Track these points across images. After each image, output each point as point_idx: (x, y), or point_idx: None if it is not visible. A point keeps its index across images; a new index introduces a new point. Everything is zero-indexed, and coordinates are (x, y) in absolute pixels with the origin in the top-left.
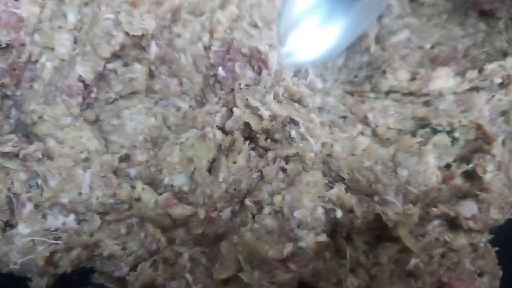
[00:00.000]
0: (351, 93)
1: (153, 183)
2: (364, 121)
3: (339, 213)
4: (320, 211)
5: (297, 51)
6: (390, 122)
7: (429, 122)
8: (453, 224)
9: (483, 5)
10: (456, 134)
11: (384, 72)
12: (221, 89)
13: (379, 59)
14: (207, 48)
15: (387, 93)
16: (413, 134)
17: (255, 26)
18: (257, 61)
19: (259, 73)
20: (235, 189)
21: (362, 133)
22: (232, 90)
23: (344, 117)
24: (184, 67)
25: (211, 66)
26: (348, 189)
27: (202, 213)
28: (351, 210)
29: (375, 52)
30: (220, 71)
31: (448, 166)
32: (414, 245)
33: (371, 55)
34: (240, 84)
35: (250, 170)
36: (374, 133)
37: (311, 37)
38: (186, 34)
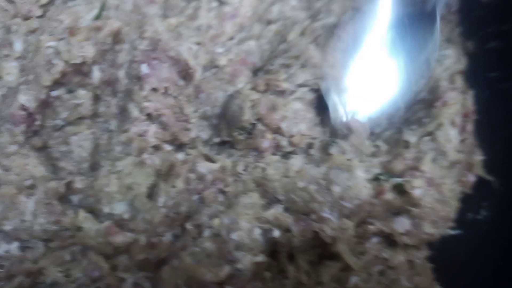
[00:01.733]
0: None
1: (94, 211)
2: (278, 131)
3: (276, 233)
4: (257, 232)
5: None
6: (303, 129)
7: None
8: (391, 241)
9: None
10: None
11: (303, 66)
12: (141, 89)
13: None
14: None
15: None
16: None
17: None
18: (183, 69)
19: (184, 79)
20: (175, 213)
21: (276, 145)
22: (154, 89)
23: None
24: (122, 81)
25: (137, 67)
26: (286, 209)
27: (143, 240)
28: (288, 230)
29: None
30: (144, 67)
31: (377, 179)
32: (354, 260)
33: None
34: (166, 88)
35: (189, 193)
36: (291, 144)
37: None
38: (125, 46)
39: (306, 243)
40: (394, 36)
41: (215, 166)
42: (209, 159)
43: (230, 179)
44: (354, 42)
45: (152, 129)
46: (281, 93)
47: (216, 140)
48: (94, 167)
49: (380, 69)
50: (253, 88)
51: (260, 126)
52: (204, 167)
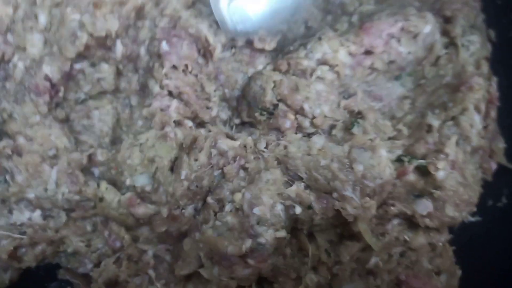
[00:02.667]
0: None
1: (116, 184)
2: (301, 112)
3: (298, 210)
4: (279, 207)
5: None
6: (326, 110)
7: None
8: (412, 223)
9: (446, 11)
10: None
11: (320, 38)
12: (162, 66)
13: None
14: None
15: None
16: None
17: None
18: (203, 47)
19: (204, 56)
20: (197, 186)
21: (298, 126)
22: (174, 67)
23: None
24: (143, 58)
25: (157, 44)
26: (307, 187)
27: (165, 212)
28: (310, 207)
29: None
30: (164, 45)
31: (400, 161)
32: (374, 240)
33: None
34: (187, 65)
35: (211, 167)
36: (313, 125)
37: None
38: (146, 23)
39: (326, 222)
40: None
41: (236, 143)
42: (230, 137)
43: (251, 156)
44: None
45: (174, 104)
46: (303, 73)
47: (237, 121)
48: (115, 141)
49: None
50: (275, 69)
51: (282, 107)
52: (225, 143)
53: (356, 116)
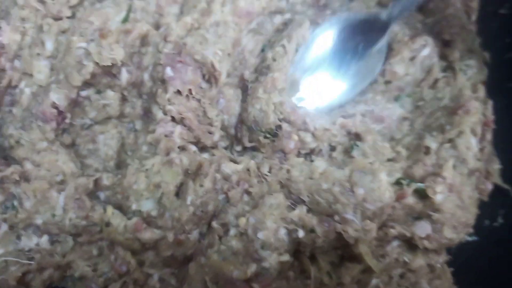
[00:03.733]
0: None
1: (122, 208)
2: (303, 127)
3: (301, 233)
4: (282, 232)
5: (308, 98)
6: (324, 123)
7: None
8: (411, 245)
9: (445, 34)
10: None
11: None
12: (165, 92)
13: None
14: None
15: None
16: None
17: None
18: (208, 72)
19: (208, 81)
20: (202, 211)
21: (301, 142)
22: (178, 92)
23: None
24: (147, 83)
25: (161, 69)
26: (309, 210)
27: (171, 236)
28: (312, 230)
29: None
30: (168, 70)
31: (399, 183)
32: (374, 262)
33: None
34: (190, 90)
35: (216, 192)
36: (314, 138)
37: (323, 86)
38: (149, 49)
39: (328, 244)
40: (347, 36)
41: (239, 167)
42: (233, 160)
43: (254, 180)
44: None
45: (178, 130)
46: None
47: (238, 148)
48: (120, 165)
49: (331, 65)
50: (265, 91)
51: (286, 127)
52: (228, 167)
53: (355, 138)
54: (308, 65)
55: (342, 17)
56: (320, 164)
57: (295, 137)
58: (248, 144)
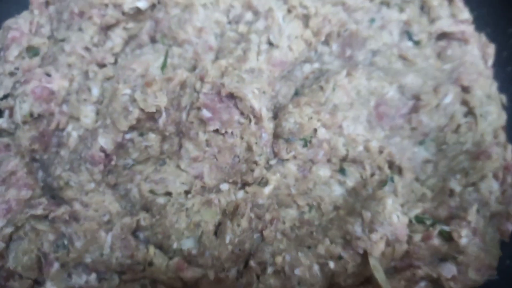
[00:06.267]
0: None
1: (162, 247)
2: (338, 130)
3: (331, 265)
4: (316, 268)
5: None
6: (360, 129)
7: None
8: (437, 285)
9: (463, 81)
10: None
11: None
12: (203, 132)
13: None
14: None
15: None
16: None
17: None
18: (246, 109)
19: (245, 116)
20: (240, 250)
21: (331, 150)
22: (216, 131)
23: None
24: (185, 123)
25: (199, 110)
26: (332, 242)
27: (211, 274)
28: (340, 257)
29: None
30: (205, 112)
31: (421, 221)
32: (384, 278)
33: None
34: (227, 129)
35: (252, 231)
36: (349, 140)
37: None
38: (187, 90)
39: (358, 274)
40: None
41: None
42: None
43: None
44: None
45: (206, 171)
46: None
47: (273, 162)
48: (147, 206)
49: None
50: (297, 106)
51: (320, 133)
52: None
53: (396, 171)
54: None
55: None
56: (337, 188)
57: (326, 147)
58: (286, 156)
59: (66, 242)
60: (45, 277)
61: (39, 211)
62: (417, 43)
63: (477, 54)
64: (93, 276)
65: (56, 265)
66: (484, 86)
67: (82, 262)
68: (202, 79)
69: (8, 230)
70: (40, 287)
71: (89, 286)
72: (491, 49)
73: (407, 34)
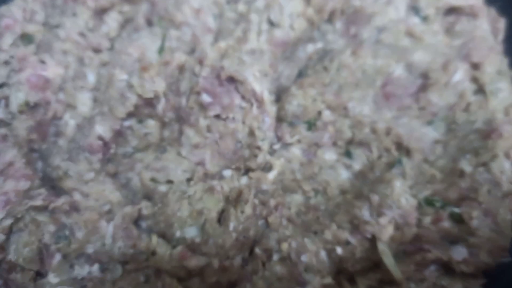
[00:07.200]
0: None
1: (165, 236)
2: (344, 112)
3: (339, 250)
4: (323, 253)
5: None
6: (366, 110)
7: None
8: (448, 269)
9: (473, 57)
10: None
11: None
12: (204, 118)
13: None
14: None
15: None
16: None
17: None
18: (248, 93)
19: (247, 100)
20: (244, 237)
21: (337, 132)
22: (217, 116)
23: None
24: (184, 108)
25: (199, 95)
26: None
27: (216, 263)
28: (348, 242)
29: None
30: (205, 96)
31: (431, 204)
32: (393, 265)
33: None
34: (228, 113)
35: (256, 218)
36: (355, 121)
37: None
38: (186, 74)
39: (367, 259)
40: None
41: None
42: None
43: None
44: None
45: (208, 157)
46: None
47: (277, 146)
48: (149, 194)
49: None
50: (300, 87)
51: (325, 115)
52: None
53: (404, 152)
54: None
55: None
56: (342, 172)
57: (331, 129)
58: (290, 140)
59: (67, 232)
60: (47, 268)
61: (38, 202)
62: (424, 19)
63: (486, 29)
64: (96, 266)
65: (58, 256)
66: (495, 62)
67: (84, 253)
68: (201, 63)
69: (8, 222)
70: (42, 279)
71: (92, 277)
72: (501, 23)
73: (414, 9)
